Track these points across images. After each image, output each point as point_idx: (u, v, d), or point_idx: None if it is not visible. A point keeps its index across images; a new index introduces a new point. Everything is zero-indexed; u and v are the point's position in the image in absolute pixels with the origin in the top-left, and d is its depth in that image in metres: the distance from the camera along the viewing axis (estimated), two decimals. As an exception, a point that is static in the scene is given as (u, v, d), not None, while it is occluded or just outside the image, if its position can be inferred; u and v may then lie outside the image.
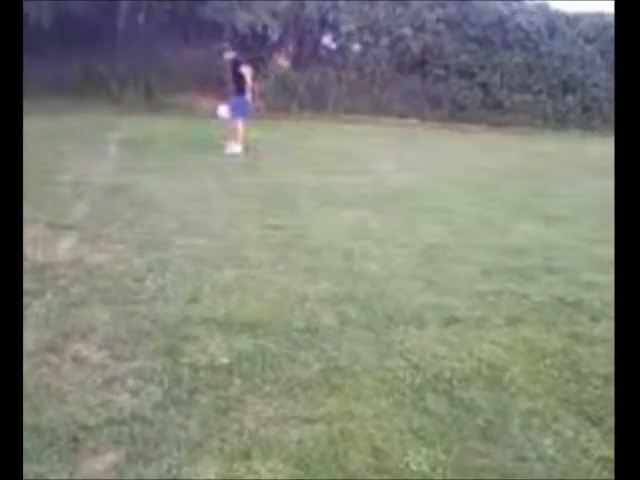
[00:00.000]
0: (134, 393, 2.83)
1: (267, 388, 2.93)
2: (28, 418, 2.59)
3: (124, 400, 2.77)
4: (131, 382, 2.91)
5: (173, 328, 3.49)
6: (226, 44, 10.71)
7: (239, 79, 10.02)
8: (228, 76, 10.42)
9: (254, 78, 10.23)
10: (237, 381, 2.98)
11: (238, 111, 10.04)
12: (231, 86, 10.22)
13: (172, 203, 6.53)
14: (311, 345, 3.40)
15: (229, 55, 10.27)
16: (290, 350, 3.32)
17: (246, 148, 10.15)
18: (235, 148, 10.07)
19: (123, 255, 4.71)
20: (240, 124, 10.12)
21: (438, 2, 17.88)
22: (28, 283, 4.01)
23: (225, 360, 3.17)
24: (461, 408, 2.87)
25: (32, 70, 14.70)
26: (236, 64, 10.14)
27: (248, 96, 10.05)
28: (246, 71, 10.00)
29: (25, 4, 14.30)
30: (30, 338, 3.28)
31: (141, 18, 15.81)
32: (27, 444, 2.43)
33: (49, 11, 14.49)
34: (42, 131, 11.19)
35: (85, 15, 15.06)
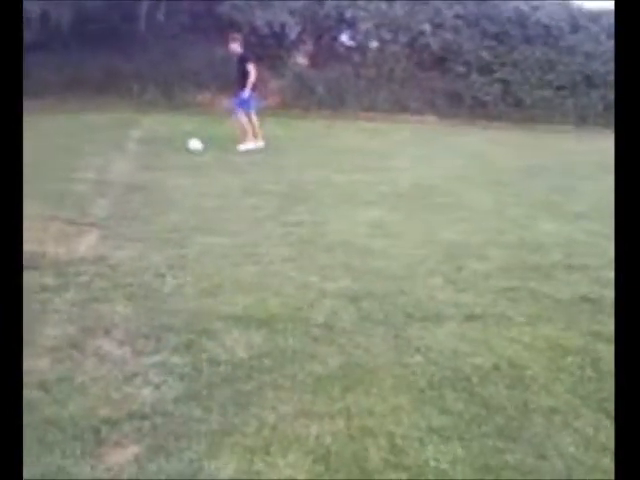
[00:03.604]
0: (155, 387, 2.86)
1: (286, 383, 2.95)
2: (51, 412, 2.64)
3: (145, 394, 2.80)
4: (152, 377, 2.95)
5: (193, 324, 3.52)
6: (236, 35, 10.55)
7: (244, 75, 10.05)
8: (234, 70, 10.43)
9: (258, 76, 10.17)
10: (256, 376, 3.00)
11: (242, 106, 10.14)
12: (237, 81, 10.23)
13: (191, 200, 6.57)
14: (330, 341, 3.41)
15: (237, 50, 10.27)
16: (309, 346, 3.34)
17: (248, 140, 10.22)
18: (249, 145, 10.14)
19: (144, 252, 4.75)
20: (244, 118, 10.18)
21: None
22: (50, 279, 4.08)
23: (244, 355, 3.19)
24: (481, 405, 2.86)
25: (54, 69, 14.87)
26: (243, 60, 10.16)
27: (247, 92, 10.07)
28: (252, 68, 10.02)
29: (46, 4, 14.30)
30: (53, 334, 3.33)
31: (161, 17, 15.86)
32: (51, 437, 2.48)
33: (70, 11, 14.62)
34: (63, 129, 11.32)
35: (106, 15, 15.18)
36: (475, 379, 3.08)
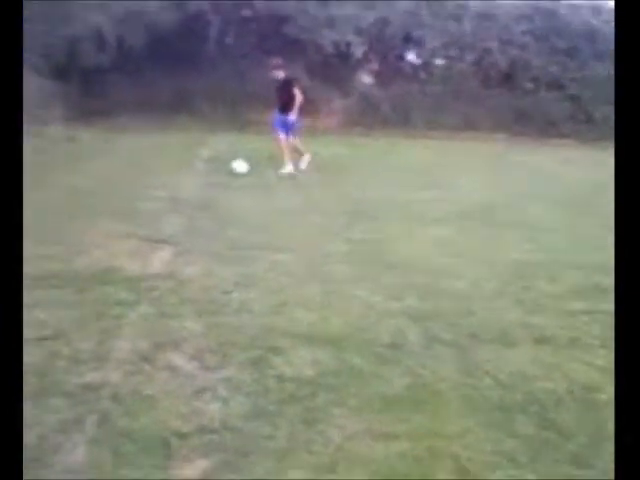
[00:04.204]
0: (223, 402, 2.90)
1: (352, 402, 2.94)
2: (124, 424, 2.71)
3: (214, 409, 2.85)
4: (220, 392, 2.99)
5: (260, 340, 3.56)
6: (277, 60, 10.39)
7: (289, 98, 9.97)
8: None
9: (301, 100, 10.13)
10: (322, 394, 3.00)
11: (285, 128, 10.09)
12: (278, 102, 10.18)
13: (258, 218, 6.67)
14: (396, 361, 3.39)
15: (279, 75, 10.20)
16: (375, 365, 3.32)
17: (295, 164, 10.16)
18: (288, 168, 9.98)
19: (212, 268, 4.85)
20: (286, 141, 10.13)
21: (524, 15, 17.54)
22: (124, 294, 4.21)
23: (311, 373, 3.20)
24: (552, 430, 2.78)
25: (128, 90, 15.44)
26: (287, 84, 10.12)
27: (293, 116, 9.97)
28: (297, 92, 9.95)
29: (120, 29, 14.91)
30: (125, 347, 3.43)
31: (230, 38, 16.32)
32: (122, 448, 2.54)
33: (143, 34, 15.19)
34: (136, 147, 11.72)
35: (177, 37, 15.69)
36: (547, 403, 3.00)
